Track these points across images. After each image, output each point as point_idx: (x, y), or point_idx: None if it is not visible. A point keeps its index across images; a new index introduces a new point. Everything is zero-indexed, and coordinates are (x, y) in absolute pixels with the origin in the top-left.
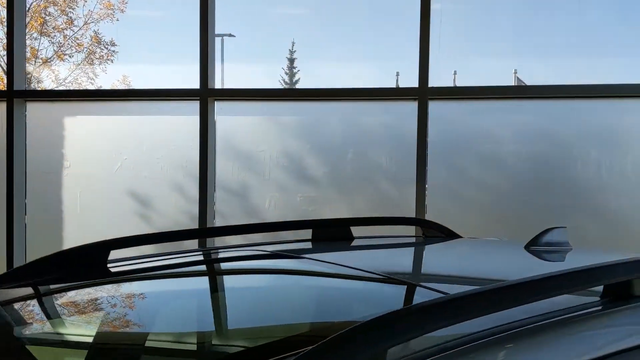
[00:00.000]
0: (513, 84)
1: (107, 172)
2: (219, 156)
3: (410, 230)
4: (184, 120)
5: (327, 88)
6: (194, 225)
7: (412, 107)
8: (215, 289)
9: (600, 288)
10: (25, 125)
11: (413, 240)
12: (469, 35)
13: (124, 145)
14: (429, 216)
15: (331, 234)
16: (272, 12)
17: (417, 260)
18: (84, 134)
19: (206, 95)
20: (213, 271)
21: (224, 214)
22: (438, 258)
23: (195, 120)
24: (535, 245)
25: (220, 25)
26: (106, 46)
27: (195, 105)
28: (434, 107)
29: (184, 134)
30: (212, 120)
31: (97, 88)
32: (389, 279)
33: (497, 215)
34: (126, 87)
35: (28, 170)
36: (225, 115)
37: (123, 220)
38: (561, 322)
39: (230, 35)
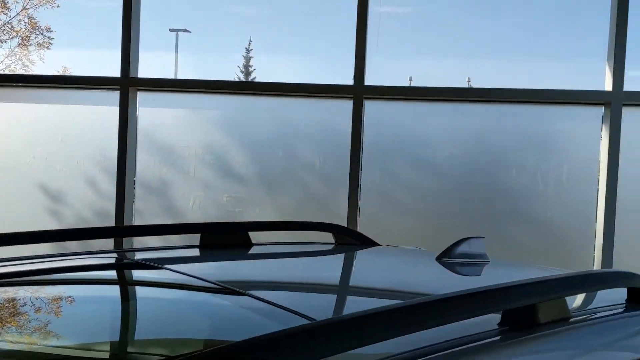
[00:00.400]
0: (454, 87)
1: (19, 164)
2: (140, 151)
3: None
4: (104, 111)
5: (259, 82)
6: (109, 223)
7: (348, 106)
8: (35, 299)
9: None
10: None
11: (317, 248)
12: (412, 36)
13: (38, 136)
14: (361, 219)
15: (225, 239)
16: (229, 11)
17: (297, 272)
18: None
19: (127, 85)
20: (45, 279)
21: (144, 213)
22: (326, 270)
23: (116, 111)
24: (448, 257)
25: (177, 20)
26: (41, 32)
27: (117, 95)
28: (370, 107)
29: (104, 126)
30: (134, 112)
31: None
32: (231, 291)
33: (430, 221)
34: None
35: None
36: (148, 107)
37: (32, 217)
38: None
39: (185, 30)
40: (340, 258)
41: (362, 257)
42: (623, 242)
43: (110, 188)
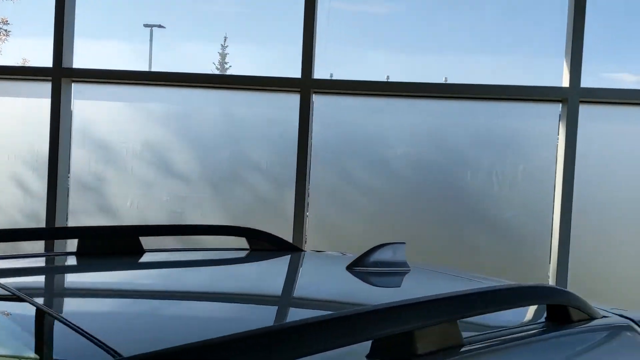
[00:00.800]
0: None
1: None
2: (75, 147)
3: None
4: (38, 104)
5: (202, 73)
6: (40, 225)
7: (296, 100)
8: None
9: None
10: None
11: (215, 255)
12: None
13: None
14: (309, 222)
15: (110, 246)
16: (204, 8)
17: (147, 285)
18: None
19: (59, 75)
20: None
21: (78, 214)
22: (191, 282)
23: (48, 104)
24: (360, 265)
25: (152, 16)
26: None
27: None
28: (320, 102)
29: (37, 119)
30: (67, 104)
31: None
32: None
33: (383, 223)
34: None
35: None
36: (83, 100)
37: None
38: None
39: (160, 26)
40: (227, 266)
41: (255, 265)
42: (579, 242)
43: (42, 187)
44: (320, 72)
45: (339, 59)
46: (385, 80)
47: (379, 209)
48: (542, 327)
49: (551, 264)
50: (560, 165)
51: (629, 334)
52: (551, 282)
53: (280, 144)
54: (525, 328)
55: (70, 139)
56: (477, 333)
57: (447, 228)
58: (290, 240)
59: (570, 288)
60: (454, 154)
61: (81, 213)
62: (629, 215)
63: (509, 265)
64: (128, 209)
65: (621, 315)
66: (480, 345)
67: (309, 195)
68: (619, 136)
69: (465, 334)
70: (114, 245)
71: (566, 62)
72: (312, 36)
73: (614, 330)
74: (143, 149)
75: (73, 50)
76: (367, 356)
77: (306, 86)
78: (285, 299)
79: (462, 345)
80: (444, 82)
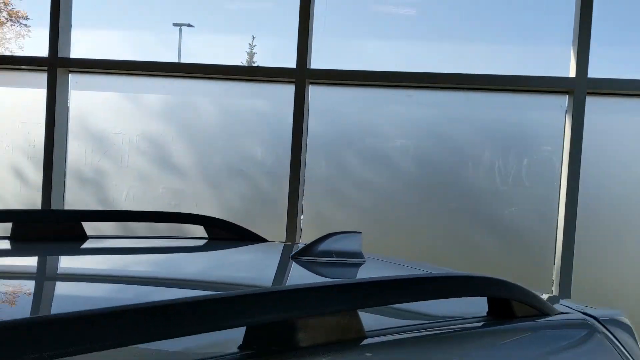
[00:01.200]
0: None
1: None
2: (71, 138)
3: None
4: (33, 94)
5: (196, 63)
6: None
7: (291, 90)
8: None
9: None
10: None
11: (164, 243)
12: (365, 18)
13: None
14: (305, 215)
15: (48, 230)
16: (231, 7)
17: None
18: None
19: (55, 65)
20: None
21: (74, 205)
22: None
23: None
24: (307, 254)
25: (181, 15)
26: (18, 20)
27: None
28: (316, 93)
29: (34, 110)
30: (64, 95)
31: None
32: None
33: (379, 218)
34: None
35: None
36: (80, 90)
37: None
38: None
39: (189, 25)
40: (161, 254)
41: (191, 253)
42: (585, 239)
43: (39, 177)
44: (316, 64)
45: (337, 50)
46: (383, 70)
47: (375, 203)
48: (476, 321)
49: (555, 262)
50: (566, 159)
51: (581, 332)
52: (554, 276)
53: (275, 136)
54: (454, 322)
55: (66, 129)
56: (389, 326)
57: (446, 224)
58: (284, 234)
59: (580, 280)
60: (454, 147)
61: (78, 204)
62: (637, 212)
63: (511, 263)
64: (124, 201)
65: (584, 313)
66: (386, 339)
67: (303, 189)
68: (626, 129)
69: (377, 325)
70: (51, 230)
71: (573, 51)
72: (308, 23)
73: (565, 328)
74: (139, 139)
75: (70, 40)
76: (239, 346)
77: (301, 76)
78: (191, 283)
79: (364, 338)
80: (444, 72)
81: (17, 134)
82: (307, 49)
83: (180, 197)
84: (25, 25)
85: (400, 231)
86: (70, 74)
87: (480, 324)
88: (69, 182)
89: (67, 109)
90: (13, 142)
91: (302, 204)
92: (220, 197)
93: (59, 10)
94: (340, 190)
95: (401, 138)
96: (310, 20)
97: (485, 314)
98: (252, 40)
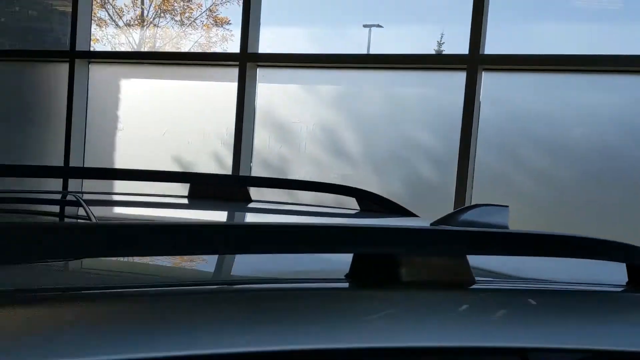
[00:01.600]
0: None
1: (155, 136)
2: (257, 126)
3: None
4: (225, 87)
5: (366, 54)
6: None
7: (461, 78)
8: None
9: None
10: (87, 86)
11: (319, 209)
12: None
13: (168, 110)
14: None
15: (219, 193)
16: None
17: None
18: (136, 97)
19: (245, 60)
20: None
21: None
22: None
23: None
24: (448, 223)
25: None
26: (221, 24)
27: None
28: (489, 80)
29: (224, 101)
30: (252, 87)
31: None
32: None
33: (552, 211)
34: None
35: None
36: (265, 83)
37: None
38: None
39: (378, 25)
40: (303, 215)
41: (347, 219)
42: None
43: (230, 161)
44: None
45: (509, 35)
46: (561, 54)
47: (550, 197)
48: (615, 288)
49: None
50: None
51: None
52: None
53: (443, 124)
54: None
55: (253, 119)
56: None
57: (630, 220)
58: None
59: None
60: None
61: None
62: None
63: None
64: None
65: None
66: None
67: (472, 178)
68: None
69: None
70: (221, 192)
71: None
72: (482, 6)
73: None
74: (314, 128)
75: (259, 36)
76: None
77: (474, 62)
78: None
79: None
80: (627, 55)
81: (213, 123)
82: (480, 33)
83: (349, 182)
84: (229, 30)
85: (577, 230)
86: (257, 68)
87: (620, 289)
88: (255, 167)
89: (254, 100)
90: (213, 129)
91: (471, 193)
92: (386, 184)
93: (249, 10)
94: (512, 181)
95: (581, 126)
96: (485, 3)
97: (624, 283)
98: (439, 33)
